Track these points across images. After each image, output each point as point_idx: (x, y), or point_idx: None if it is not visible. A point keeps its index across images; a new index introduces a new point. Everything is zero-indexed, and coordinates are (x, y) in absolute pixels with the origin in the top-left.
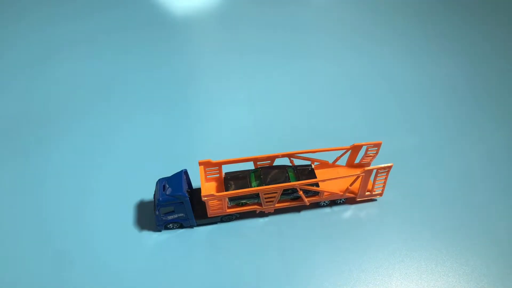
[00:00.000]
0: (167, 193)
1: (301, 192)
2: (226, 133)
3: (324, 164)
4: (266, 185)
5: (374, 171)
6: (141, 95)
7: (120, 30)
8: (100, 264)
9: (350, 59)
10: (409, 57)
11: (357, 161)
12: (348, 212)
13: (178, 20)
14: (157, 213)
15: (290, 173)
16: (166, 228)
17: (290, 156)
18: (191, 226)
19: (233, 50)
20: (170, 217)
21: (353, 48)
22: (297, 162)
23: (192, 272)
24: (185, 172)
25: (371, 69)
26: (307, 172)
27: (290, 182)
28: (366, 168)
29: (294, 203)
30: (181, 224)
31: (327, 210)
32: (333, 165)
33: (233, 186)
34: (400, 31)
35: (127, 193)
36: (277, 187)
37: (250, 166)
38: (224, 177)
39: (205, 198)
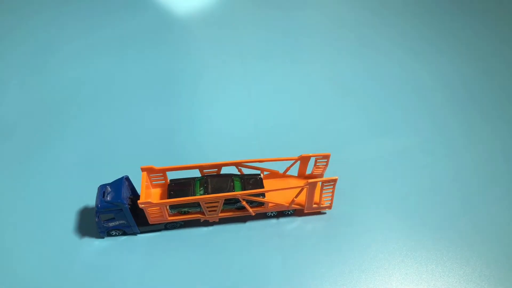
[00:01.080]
0: (107, 199)
1: (244, 202)
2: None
3: (274, 174)
4: (209, 193)
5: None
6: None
7: (119, 33)
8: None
9: (346, 62)
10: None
11: (309, 171)
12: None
13: (176, 22)
14: (96, 220)
15: (236, 182)
16: (109, 235)
17: (237, 165)
18: (135, 233)
19: (231, 54)
20: (111, 224)
21: (351, 50)
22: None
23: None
24: (126, 178)
25: (367, 72)
26: (254, 181)
27: (234, 191)
28: (310, 181)
29: (239, 213)
30: (124, 231)
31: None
32: (283, 175)
33: (175, 193)
34: (400, 31)
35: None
36: (217, 196)
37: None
38: (168, 184)
39: (142, 205)
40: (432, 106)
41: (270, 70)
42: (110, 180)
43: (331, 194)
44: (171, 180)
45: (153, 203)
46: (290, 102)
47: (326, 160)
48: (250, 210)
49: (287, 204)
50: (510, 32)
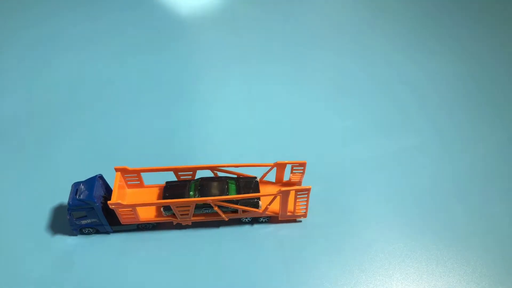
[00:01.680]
0: (79, 197)
1: (216, 208)
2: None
3: None
4: (202, 196)
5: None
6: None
7: (120, 31)
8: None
9: (345, 64)
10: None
11: (286, 178)
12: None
13: (177, 21)
14: (68, 217)
15: (231, 185)
16: (82, 233)
17: (213, 169)
18: (107, 232)
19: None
20: (84, 222)
21: (350, 51)
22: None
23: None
24: (100, 177)
25: (366, 73)
26: (249, 185)
27: (228, 194)
28: (283, 189)
29: (212, 217)
30: (97, 229)
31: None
32: (260, 181)
33: (170, 195)
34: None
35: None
36: (188, 201)
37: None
38: (164, 186)
39: (113, 206)
40: (431, 107)
41: (270, 72)
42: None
43: (305, 203)
44: (167, 182)
45: (123, 204)
46: (288, 104)
47: (302, 168)
48: (223, 215)
49: (261, 211)
50: (508, 32)
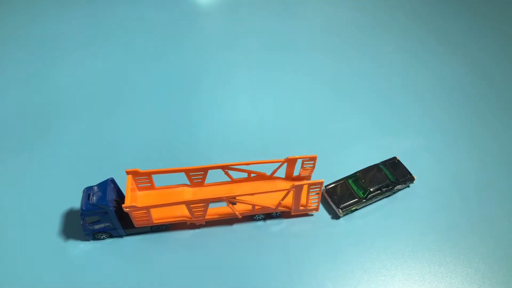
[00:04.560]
0: (92, 202)
1: (230, 205)
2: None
3: (261, 176)
4: (370, 187)
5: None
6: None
7: (122, 29)
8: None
9: (346, 65)
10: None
11: (296, 173)
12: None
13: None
14: (81, 222)
15: (385, 171)
16: (95, 238)
17: (224, 168)
18: (121, 236)
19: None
20: (97, 227)
21: (351, 53)
22: (233, 174)
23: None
24: (111, 180)
25: (367, 74)
26: (395, 166)
27: (388, 178)
28: (296, 184)
29: (225, 215)
30: (110, 234)
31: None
32: (271, 177)
33: (339, 197)
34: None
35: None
36: (203, 200)
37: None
38: (326, 191)
39: (127, 209)
40: (434, 107)
41: (272, 74)
42: (98, 182)
43: (317, 197)
44: (326, 187)
45: (137, 207)
46: (289, 104)
47: (312, 162)
48: (237, 213)
49: (274, 207)
50: (509, 34)
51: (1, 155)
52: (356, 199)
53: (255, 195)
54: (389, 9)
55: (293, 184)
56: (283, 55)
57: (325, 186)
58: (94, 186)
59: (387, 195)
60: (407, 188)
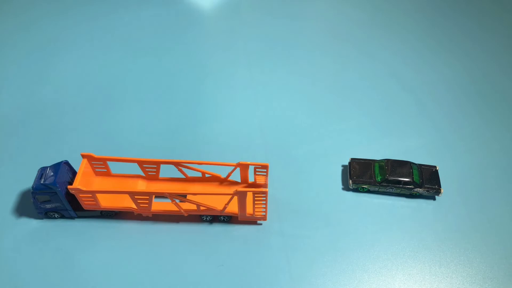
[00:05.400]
0: (43, 182)
1: (174, 202)
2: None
3: (216, 178)
4: (390, 176)
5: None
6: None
7: (126, 29)
8: None
9: (348, 66)
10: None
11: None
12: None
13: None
14: (32, 200)
15: (414, 170)
16: (48, 216)
17: (177, 164)
18: (72, 217)
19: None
20: (48, 206)
21: (357, 48)
22: (189, 172)
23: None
24: (65, 162)
25: (368, 75)
26: (429, 173)
27: (413, 178)
28: (238, 190)
29: (171, 211)
30: (62, 214)
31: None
32: (226, 180)
33: (357, 171)
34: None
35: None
36: (147, 192)
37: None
38: (349, 162)
39: (72, 191)
40: (433, 109)
41: (273, 74)
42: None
43: (264, 205)
44: (352, 159)
45: (82, 190)
46: (290, 104)
47: (265, 170)
48: (182, 210)
49: (219, 209)
50: (508, 37)
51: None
52: (371, 180)
53: (204, 196)
54: (391, 10)
55: (236, 190)
56: (284, 55)
57: (351, 158)
58: (48, 166)
59: (405, 192)
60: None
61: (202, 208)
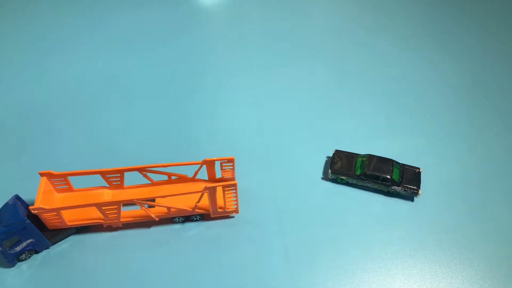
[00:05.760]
0: (4, 224)
1: (143, 207)
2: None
3: (183, 178)
4: (369, 171)
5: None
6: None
7: (128, 28)
8: None
9: (353, 63)
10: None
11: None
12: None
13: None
14: (0, 249)
15: (395, 169)
16: (20, 260)
17: (141, 170)
18: (47, 247)
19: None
20: (18, 248)
21: (360, 48)
22: (155, 176)
23: None
24: (17, 197)
25: (370, 74)
26: (411, 174)
27: (392, 176)
28: (208, 185)
29: (142, 218)
30: (35, 250)
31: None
32: (193, 179)
33: (339, 162)
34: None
35: None
36: (114, 202)
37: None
38: (334, 153)
39: (35, 211)
40: (437, 108)
41: (274, 74)
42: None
43: (235, 198)
44: (336, 150)
45: (45, 209)
46: (290, 105)
47: (231, 163)
48: (153, 215)
49: (191, 209)
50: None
51: None
52: (350, 172)
53: (174, 198)
54: (393, 10)
55: (206, 186)
56: (285, 56)
57: (336, 150)
58: (0, 208)
59: (383, 189)
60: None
61: (173, 210)
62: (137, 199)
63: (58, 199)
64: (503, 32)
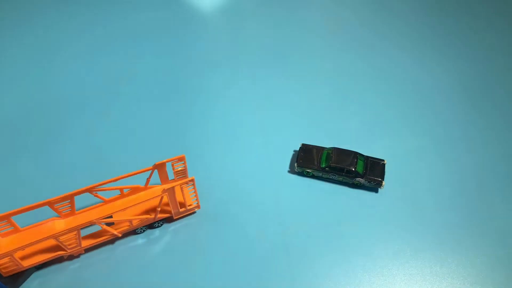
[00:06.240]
0: None
1: (104, 227)
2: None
3: (136, 189)
4: (333, 163)
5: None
6: None
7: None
8: None
9: (354, 63)
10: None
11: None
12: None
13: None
14: None
15: (359, 161)
16: None
17: (90, 190)
18: None
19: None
20: None
21: (357, 50)
22: (106, 194)
23: None
24: None
25: (371, 73)
26: (376, 167)
27: (356, 168)
28: (166, 187)
29: (105, 238)
30: None
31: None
32: (146, 187)
33: (305, 156)
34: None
35: None
36: (72, 228)
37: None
38: (300, 147)
39: None
40: (437, 108)
41: (274, 72)
42: None
43: (195, 194)
44: (303, 144)
45: None
46: (291, 105)
47: (182, 162)
48: (115, 232)
49: (152, 216)
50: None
51: None
52: (315, 165)
53: (133, 209)
54: (393, 11)
55: (164, 188)
56: (285, 59)
57: (303, 143)
58: None
59: (347, 181)
60: (408, 188)
61: (135, 222)
62: (96, 219)
63: (4, 244)
64: (509, 34)
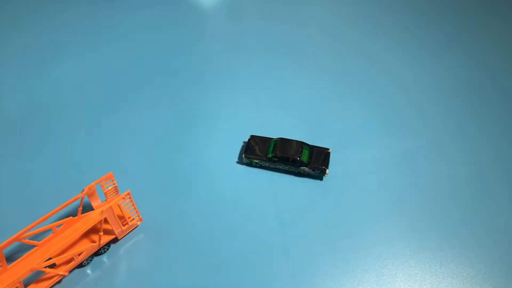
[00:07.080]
0: None
1: (48, 270)
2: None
3: (70, 222)
4: (279, 153)
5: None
6: None
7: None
8: None
9: (351, 63)
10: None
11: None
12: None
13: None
14: None
15: (305, 150)
16: None
17: (18, 238)
18: None
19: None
20: None
21: (356, 50)
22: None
23: None
24: None
25: (371, 73)
26: (320, 156)
27: (301, 157)
28: (103, 209)
29: (52, 282)
30: None
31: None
32: (80, 217)
33: (253, 147)
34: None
35: None
36: (13, 282)
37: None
38: (249, 138)
39: None
40: (435, 110)
41: (274, 72)
42: None
43: (134, 208)
44: (251, 136)
45: None
46: (291, 105)
47: (111, 180)
48: (61, 273)
49: (97, 243)
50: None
51: None
52: (262, 156)
53: (72, 242)
54: (391, 12)
55: (102, 211)
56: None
57: (251, 135)
58: None
59: (293, 170)
60: (409, 188)
61: (80, 256)
62: (36, 267)
63: None
64: (507, 35)
